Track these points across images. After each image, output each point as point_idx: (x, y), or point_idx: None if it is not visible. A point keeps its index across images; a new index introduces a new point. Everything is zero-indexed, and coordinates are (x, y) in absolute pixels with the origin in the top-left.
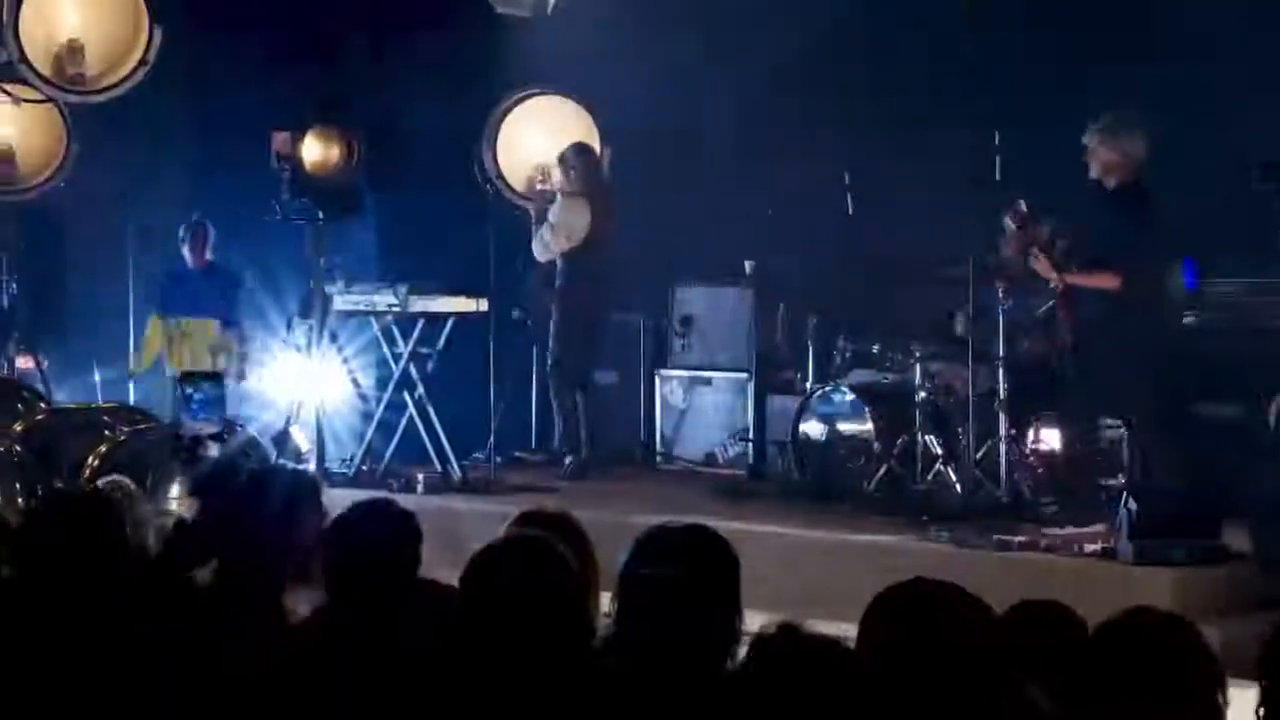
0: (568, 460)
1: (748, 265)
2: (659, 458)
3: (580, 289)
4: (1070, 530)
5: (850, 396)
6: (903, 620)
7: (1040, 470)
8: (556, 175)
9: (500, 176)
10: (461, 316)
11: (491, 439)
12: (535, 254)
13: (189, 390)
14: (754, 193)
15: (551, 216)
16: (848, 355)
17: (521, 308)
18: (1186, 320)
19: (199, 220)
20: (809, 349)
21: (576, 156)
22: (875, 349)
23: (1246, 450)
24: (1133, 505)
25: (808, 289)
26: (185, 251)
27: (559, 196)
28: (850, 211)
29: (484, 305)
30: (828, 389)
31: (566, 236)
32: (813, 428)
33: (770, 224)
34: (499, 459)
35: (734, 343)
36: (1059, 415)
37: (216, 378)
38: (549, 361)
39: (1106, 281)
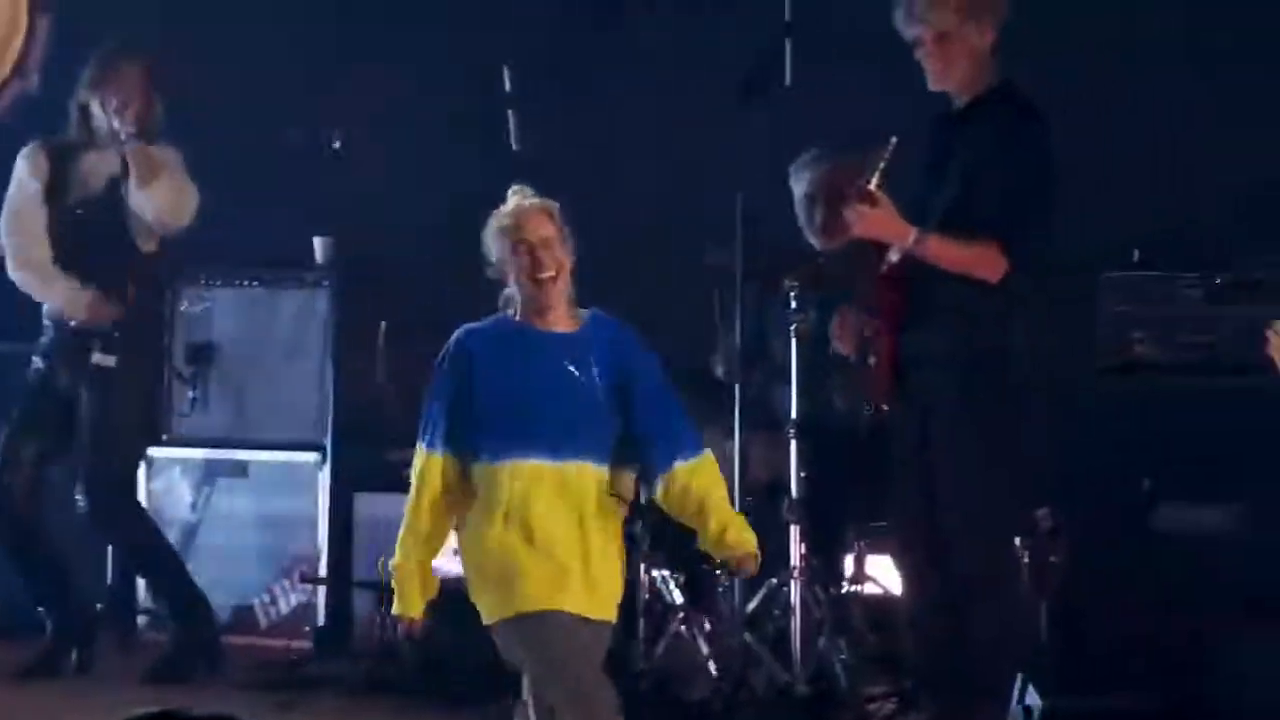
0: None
1: (320, 245)
2: (141, 618)
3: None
4: None
5: None
6: None
7: (868, 633)
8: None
9: None
10: None
11: None
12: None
13: None
14: (324, 110)
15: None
16: None
17: None
18: (1138, 346)
19: None
20: None
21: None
22: None
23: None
24: (1035, 700)
25: (436, 291)
26: None
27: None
28: (516, 147)
29: None
30: None
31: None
32: (442, 556)
33: (357, 171)
34: None
35: (293, 395)
36: (899, 529)
37: None
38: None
39: (980, 259)
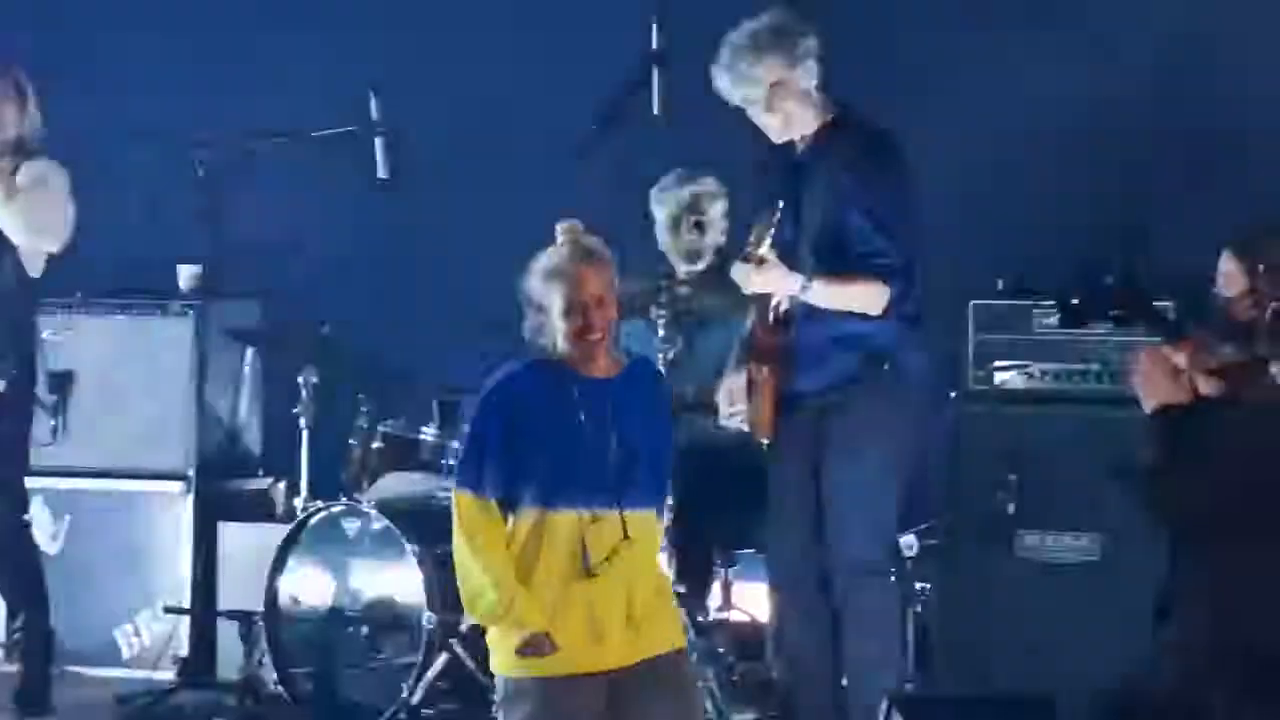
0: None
1: (185, 272)
2: (2, 651)
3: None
4: None
5: (381, 524)
6: None
7: (735, 661)
8: None
9: None
10: None
11: None
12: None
13: None
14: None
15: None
16: (378, 445)
17: None
18: (1001, 374)
19: None
20: (303, 434)
21: None
22: (433, 432)
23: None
24: None
25: (302, 320)
26: None
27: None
28: (382, 173)
29: None
30: (338, 510)
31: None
32: (306, 587)
33: (222, 197)
34: None
35: (157, 424)
36: (771, 555)
37: None
38: None
39: (864, 295)
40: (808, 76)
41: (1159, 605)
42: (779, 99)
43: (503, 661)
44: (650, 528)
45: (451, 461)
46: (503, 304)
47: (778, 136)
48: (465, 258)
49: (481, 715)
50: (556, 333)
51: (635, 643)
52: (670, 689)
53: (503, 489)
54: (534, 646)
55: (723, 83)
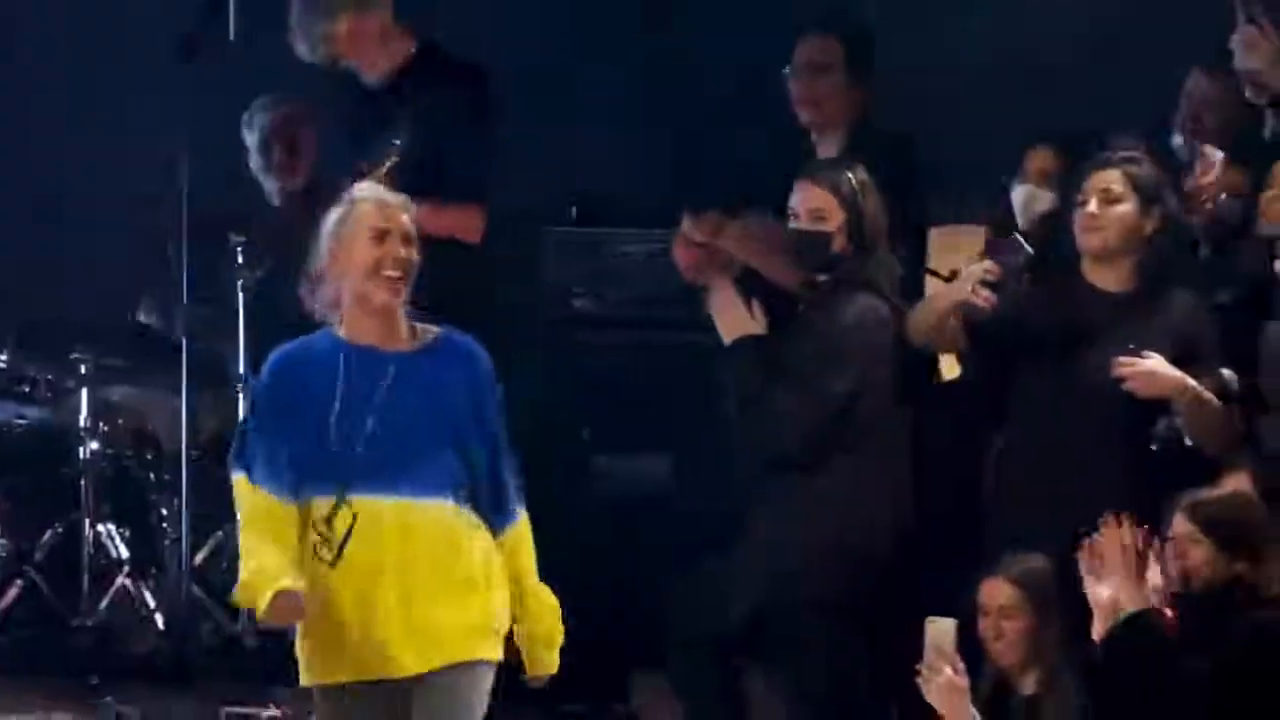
0: None
1: None
2: None
3: None
4: None
5: None
6: None
7: None
8: None
9: None
10: None
11: None
12: None
13: None
14: None
15: None
16: None
17: None
18: (577, 301)
19: None
20: None
21: None
22: (6, 359)
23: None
24: None
25: None
26: None
27: None
28: None
29: None
30: None
31: None
32: None
33: None
34: None
35: None
36: None
37: None
38: None
39: (462, 222)
40: (382, 13)
41: (735, 527)
42: (363, 34)
43: (302, 670)
44: (445, 520)
45: (27, 389)
46: (85, 228)
47: (370, 73)
48: (48, 180)
49: (56, 640)
50: (351, 282)
51: (420, 650)
52: (447, 706)
53: (276, 478)
54: (279, 606)
55: (301, 49)
